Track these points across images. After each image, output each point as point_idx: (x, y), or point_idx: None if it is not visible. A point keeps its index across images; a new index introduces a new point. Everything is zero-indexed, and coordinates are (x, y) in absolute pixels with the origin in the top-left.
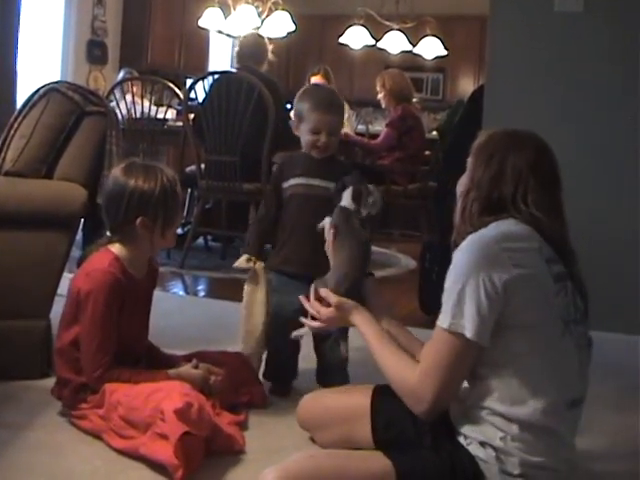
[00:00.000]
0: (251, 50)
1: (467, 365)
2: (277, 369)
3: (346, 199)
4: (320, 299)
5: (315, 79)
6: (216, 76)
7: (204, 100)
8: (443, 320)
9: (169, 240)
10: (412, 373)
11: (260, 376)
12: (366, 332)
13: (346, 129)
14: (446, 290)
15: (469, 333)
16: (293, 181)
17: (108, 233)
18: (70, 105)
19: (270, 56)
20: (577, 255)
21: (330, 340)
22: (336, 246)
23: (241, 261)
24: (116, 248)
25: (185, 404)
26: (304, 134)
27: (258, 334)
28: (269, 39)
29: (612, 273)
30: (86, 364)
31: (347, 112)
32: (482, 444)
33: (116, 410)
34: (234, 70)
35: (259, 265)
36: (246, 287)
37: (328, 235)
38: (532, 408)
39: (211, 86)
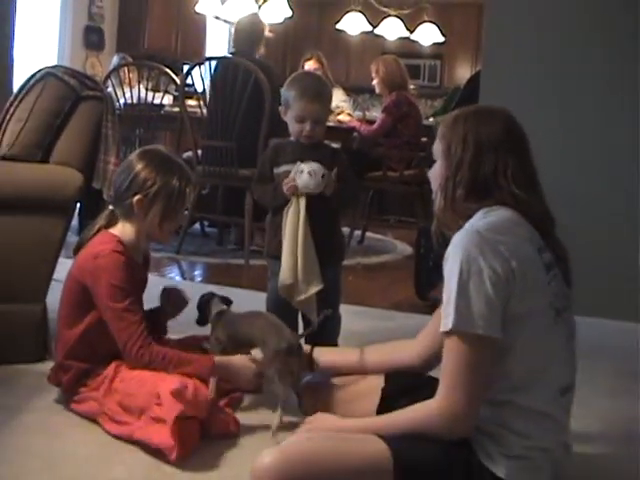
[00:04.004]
0: (246, 33)
1: (490, 364)
2: None
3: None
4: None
5: (309, 64)
6: (214, 62)
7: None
8: (450, 323)
9: (165, 234)
10: (430, 404)
11: None
12: (354, 426)
13: (344, 116)
14: (447, 290)
15: (481, 330)
16: (286, 167)
17: (110, 207)
18: (66, 90)
19: (268, 34)
20: (561, 231)
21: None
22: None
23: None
24: (118, 231)
25: (181, 384)
26: (290, 122)
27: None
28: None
29: (611, 257)
30: (125, 339)
31: (344, 98)
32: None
33: (112, 395)
34: (230, 56)
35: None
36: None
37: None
38: (532, 395)
39: (212, 73)
